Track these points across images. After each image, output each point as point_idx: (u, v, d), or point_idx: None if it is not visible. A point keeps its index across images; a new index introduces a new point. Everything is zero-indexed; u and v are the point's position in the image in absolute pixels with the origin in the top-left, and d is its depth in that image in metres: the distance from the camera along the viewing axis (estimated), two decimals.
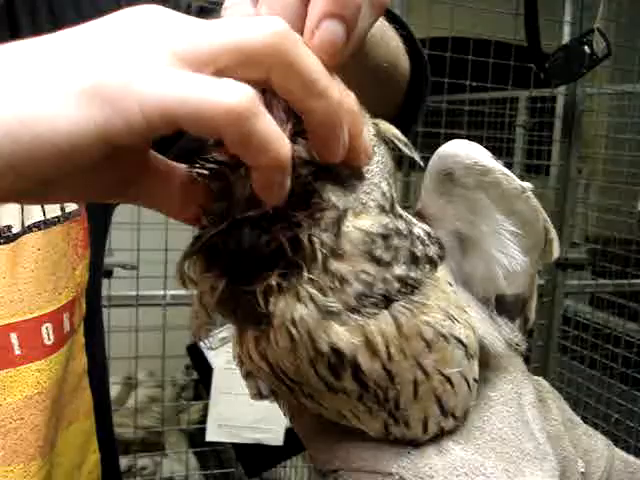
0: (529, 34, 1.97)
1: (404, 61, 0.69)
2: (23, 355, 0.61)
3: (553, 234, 0.50)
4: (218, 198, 0.39)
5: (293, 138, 0.37)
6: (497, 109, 2.63)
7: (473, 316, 0.46)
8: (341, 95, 0.36)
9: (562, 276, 2.32)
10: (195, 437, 2.40)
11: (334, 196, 0.40)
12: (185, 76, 0.31)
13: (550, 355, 2.35)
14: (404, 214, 0.44)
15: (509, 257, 0.47)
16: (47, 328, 0.63)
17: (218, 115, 0.31)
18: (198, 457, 2.38)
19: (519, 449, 0.46)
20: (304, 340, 0.39)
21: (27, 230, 0.61)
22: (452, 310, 0.43)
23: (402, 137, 0.45)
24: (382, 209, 0.42)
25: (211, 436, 1.87)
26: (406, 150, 0.45)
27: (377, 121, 0.45)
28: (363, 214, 0.40)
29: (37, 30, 0.62)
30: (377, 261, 0.40)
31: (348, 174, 0.41)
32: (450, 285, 0.44)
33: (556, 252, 0.51)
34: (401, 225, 0.42)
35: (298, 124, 0.38)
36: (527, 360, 0.55)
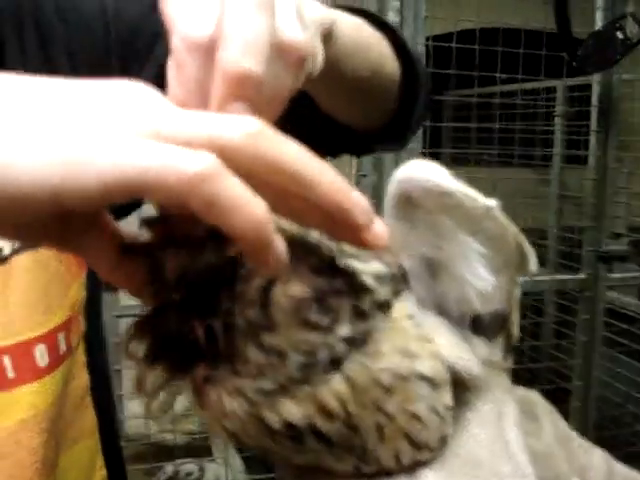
0: (559, 21, 1.93)
1: (390, 66, 0.67)
2: (16, 378, 0.61)
3: (527, 248, 0.48)
4: (149, 278, 0.37)
5: None
6: (531, 100, 2.58)
7: (441, 343, 0.45)
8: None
9: (604, 269, 2.26)
10: None
11: None
12: (148, 145, 0.31)
13: (595, 349, 2.29)
14: (346, 265, 0.41)
15: (479, 278, 0.46)
16: (40, 350, 0.62)
17: (180, 182, 0.30)
18: (244, 461, 2.39)
19: (494, 472, 0.45)
20: (250, 424, 0.38)
21: (17, 251, 0.61)
22: (412, 346, 0.42)
23: None
24: (315, 271, 0.40)
25: None
26: None
27: None
28: (293, 279, 0.38)
29: (22, 41, 0.64)
30: (315, 327, 0.38)
31: None
32: (410, 318, 0.43)
33: (533, 265, 0.49)
34: (338, 283, 0.40)
35: None
36: (539, 378, 0.54)
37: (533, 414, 0.54)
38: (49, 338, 0.63)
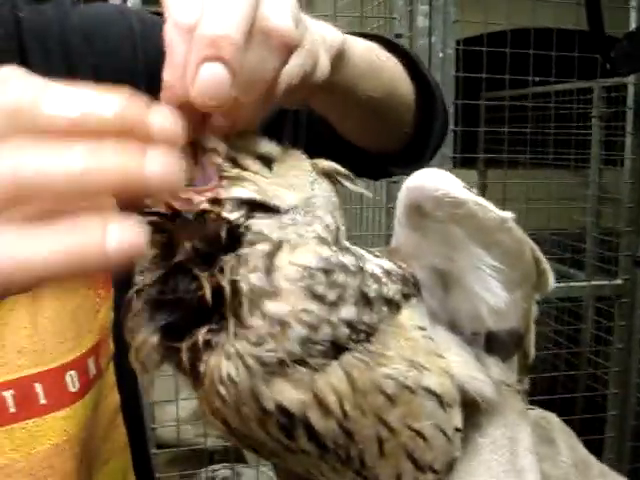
0: (592, 22, 1.88)
1: (406, 90, 0.66)
2: (49, 404, 0.60)
3: (545, 264, 0.46)
4: (161, 249, 0.38)
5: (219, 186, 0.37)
6: (564, 102, 2.52)
7: (453, 360, 0.42)
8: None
9: None
10: None
11: (266, 228, 0.38)
12: None
13: (632, 357, 2.23)
14: (354, 249, 0.41)
15: (492, 294, 0.43)
16: (71, 376, 0.62)
17: None
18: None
19: None
20: (245, 399, 0.36)
21: None
22: (421, 358, 0.40)
23: (344, 171, 0.43)
24: (323, 242, 0.39)
25: None
26: (348, 184, 0.43)
27: (316, 161, 0.43)
28: (300, 247, 0.38)
29: (47, 59, 0.63)
30: (320, 299, 0.36)
31: (286, 210, 0.39)
32: (421, 329, 0.41)
33: (551, 283, 0.47)
34: (348, 260, 0.39)
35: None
36: (551, 396, 0.51)
37: (549, 437, 0.51)
38: (79, 363, 0.63)
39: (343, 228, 0.41)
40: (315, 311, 0.36)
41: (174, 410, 1.96)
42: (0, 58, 0.60)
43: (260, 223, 0.37)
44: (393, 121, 0.67)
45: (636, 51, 1.86)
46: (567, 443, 0.50)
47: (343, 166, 0.44)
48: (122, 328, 0.71)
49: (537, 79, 2.06)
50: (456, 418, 0.42)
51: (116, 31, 0.68)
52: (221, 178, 0.37)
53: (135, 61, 0.67)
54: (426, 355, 0.40)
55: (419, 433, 0.40)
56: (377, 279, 0.40)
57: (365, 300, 0.38)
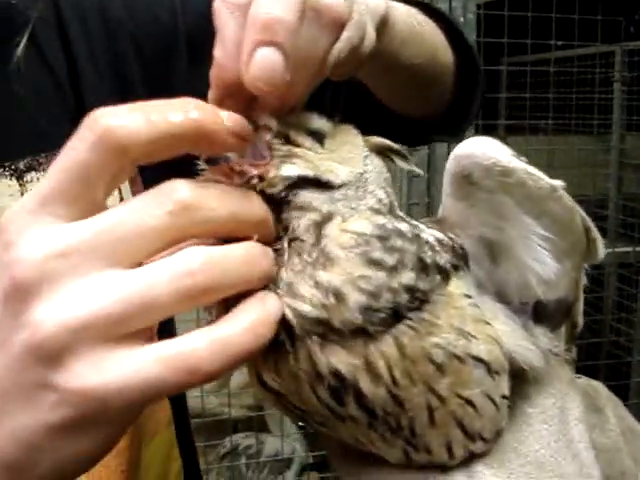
0: None
1: (444, 55, 0.66)
2: None
3: (595, 233, 0.45)
4: None
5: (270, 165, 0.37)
6: (587, 67, 2.48)
7: (501, 329, 0.42)
8: None
9: None
10: None
11: (315, 201, 0.37)
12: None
13: None
14: (408, 218, 0.40)
15: (542, 264, 0.43)
16: None
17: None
18: (304, 437, 2.39)
19: (557, 474, 0.42)
20: (300, 364, 0.36)
21: None
22: (468, 326, 0.39)
23: (397, 148, 0.42)
24: (377, 212, 0.39)
25: None
26: (400, 161, 0.42)
27: (369, 137, 0.43)
28: (353, 216, 0.38)
29: (86, 28, 0.63)
30: (378, 265, 0.36)
31: (340, 184, 0.38)
32: (469, 297, 0.40)
33: (601, 252, 0.46)
34: (403, 227, 0.38)
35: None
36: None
37: (597, 406, 0.51)
38: None
39: (396, 203, 0.41)
40: (374, 278, 0.35)
41: None
42: (39, 29, 0.60)
43: (309, 196, 0.37)
44: (434, 87, 0.66)
45: None
46: (615, 412, 0.50)
47: (381, 134, 0.43)
48: None
49: (559, 43, 2.03)
50: (503, 386, 0.42)
51: None
52: (272, 155, 0.37)
53: (175, 28, 0.67)
54: (474, 323, 0.40)
55: (468, 401, 0.40)
56: (432, 247, 0.39)
57: (422, 266, 0.38)
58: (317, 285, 0.35)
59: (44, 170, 0.59)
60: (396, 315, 0.36)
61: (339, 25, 0.39)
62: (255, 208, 0.35)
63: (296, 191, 0.37)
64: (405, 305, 0.36)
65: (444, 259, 0.39)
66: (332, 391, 0.37)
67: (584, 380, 0.52)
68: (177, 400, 0.73)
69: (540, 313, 0.46)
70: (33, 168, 0.59)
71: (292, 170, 0.37)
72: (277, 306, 0.35)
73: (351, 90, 0.68)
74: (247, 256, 0.34)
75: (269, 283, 0.35)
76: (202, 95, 0.66)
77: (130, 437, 0.63)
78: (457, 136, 0.75)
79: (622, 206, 2.43)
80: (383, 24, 0.48)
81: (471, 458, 0.42)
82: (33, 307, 0.30)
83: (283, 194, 0.37)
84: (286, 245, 0.36)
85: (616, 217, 2.47)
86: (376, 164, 0.41)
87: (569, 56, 2.40)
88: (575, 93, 2.35)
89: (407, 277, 0.37)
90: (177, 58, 0.67)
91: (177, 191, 0.32)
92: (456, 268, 0.40)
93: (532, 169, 0.41)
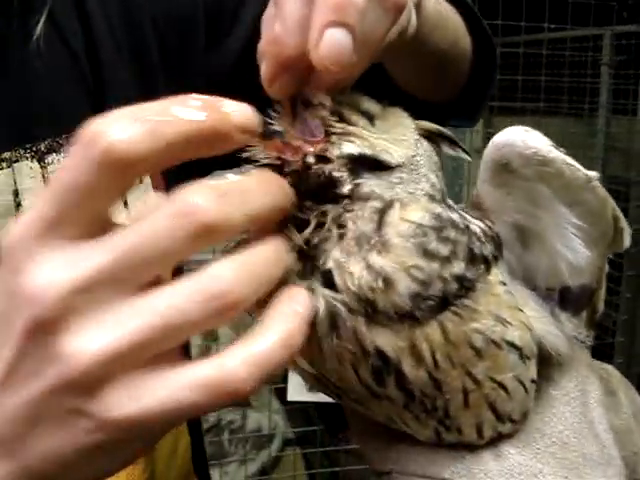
0: None
1: (463, 39, 0.66)
2: None
3: (623, 223, 0.46)
4: None
5: (326, 142, 0.37)
6: (579, 49, 2.49)
7: (530, 315, 0.43)
8: None
9: None
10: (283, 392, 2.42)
11: (377, 187, 0.38)
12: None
13: None
14: (458, 208, 0.41)
15: (573, 251, 0.44)
16: None
17: None
18: (286, 413, 2.40)
19: (581, 454, 0.43)
20: (346, 341, 0.37)
21: None
22: (504, 312, 0.40)
23: (447, 134, 0.43)
24: (433, 199, 0.39)
25: (293, 395, 1.88)
26: (448, 148, 0.43)
27: (419, 121, 0.43)
28: (412, 204, 0.38)
29: (105, 10, 0.62)
30: (432, 256, 0.37)
31: (394, 166, 0.39)
32: (504, 284, 0.41)
33: (627, 241, 0.47)
34: (455, 217, 0.39)
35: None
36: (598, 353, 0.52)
37: (610, 389, 0.52)
38: None
39: (445, 189, 0.41)
40: (427, 268, 0.36)
41: None
42: (58, 9, 0.59)
43: (371, 182, 0.38)
44: (453, 71, 0.66)
45: None
46: (627, 394, 0.52)
47: None
48: None
49: (552, 26, 2.04)
50: (533, 370, 0.43)
51: None
52: (328, 133, 0.37)
53: (195, 9, 0.66)
54: (509, 309, 0.41)
55: (501, 385, 0.41)
56: (479, 238, 0.40)
57: (471, 257, 0.38)
58: (368, 267, 0.36)
59: (64, 152, 0.58)
60: (444, 302, 0.37)
61: (400, 9, 0.39)
62: (278, 200, 0.34)
63: (359, 178, 0.37)
64: (453, 293, 0.37)
65: (488, 250, 0.40)
66: (374, 371, 0.38)
67: (598, 363, 0.53)
68: None
69: (565, 298, 0.47)
70: (54, 150, 0.59)
71: (352, 148, 0.37)
72: (307, 305, 0.34)
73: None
74: (275, 258, 0.33)
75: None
76: (219, 73, 0.66)
77: None
78: (472, 121, 0.75)
79: (607, 189, 2.46)
80: (419, 8, 0.48)
81: (498, 438, 0.44)
82: (62, 341, 0.29)
83: (341, 175, 0.37)
84: (336, 230, 0.37)
85: None
86: (426, 148, 0.42)
87: (561, 37, 2.40)
88: (567, 76, 2.36)
89: (458, 267, 0.37)
90: (196, 39, 0.67)
91: (197, 209, 0.29)
92: (496, 258, 0.41)
93: (570, 160, 0.42)
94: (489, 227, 0.42)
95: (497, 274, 0.41)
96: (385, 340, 0.37)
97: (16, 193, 0.58)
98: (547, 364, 0.45)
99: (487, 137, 2.38)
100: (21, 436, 0.31)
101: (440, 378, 0.39)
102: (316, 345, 0.38)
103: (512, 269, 0.45)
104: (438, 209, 0.38)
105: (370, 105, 0.41)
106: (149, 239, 0.30)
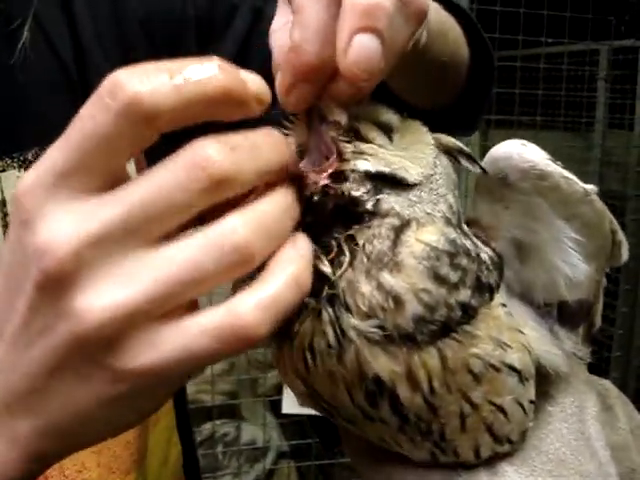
0: None
1: (464, 52, 0.65)
2: None
3: (621, 236, 0.46)
4: None
5: (346, 156, 0.37)
6: (575, 63, 2.50)
7: (530, 335, 0.42)
8: None
9: None
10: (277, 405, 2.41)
11: (397, 205, 0.37)
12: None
13: (636, 322, 2.25)
14: (471, 234, 0.40)
15: (571, 266, 0.44)
16: None
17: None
18: (280, 427, 2.38)
19: (578, 471, 0.43)
20: (343, 364, 0.36)
21: None
22: (504, 335, 0.40)
23: (466, 150, 0.42)
24: (449, 223, 0.39)
25: (287, 408, 1.87)
26: (467, 164, 0.42)
27: (438, 135, 0.42)
28: (428, 225, 0.37)
29: (92, 11, 0.62)
30: (441, 281, 0.36)
31: (412, 185, 0.38)
32: (504, 306, 0.41)
33: (625, 255, 0.47)
34: (468, 244, 0.38)
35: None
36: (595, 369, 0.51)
37: (608, 404, 0.52)
38: None
39: (462, 210, 0.41)
40: (435, 292, 0.36)
41: None
42: (44, 15, 0.59)
43: (390, 199, 0.37)
44: (451, 81, 0.66)
45: None
46: (624, 410, 0.51)
47: None
48: None
49: (550, 40, 2.05)
50: (531, 391, 0.43)
51: None
52: (341, 151, 0.37)
53: (184, 11, 0.66)
54: (509, 332, 0.40)
55: (500, 408, 0.40)
56: (487, 267, 0.39)
57: (478, 285, 0.38)
58: (379, 287, 0.35)
59: None
60: (445, 328, 0.36)
61: (422, 17, 0.38)
62: (283, 157, 0.34)
63: (377, 195, 0.37)
64: (456, 320, 0.37)
65: (493, 278, 0.40)
66: (367, 394, 0.37)
67: (595, 379, 0.53)
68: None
69: (562, 313, 0.46)
70: None
71: (367, 166, 0.37)
72: (308, 247, 0.34)
73: None
74: (285, 212, 0.33)
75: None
76: None
77: (139, 427, 0.63)
78: (470, 131, 0.75)
79: (604, 203, 2.47)
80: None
81: (495, 457, 0.43)
82: (74, 295, 0.29)
83: (362, 195, 0.36)
84: (348, 248, 0.36)
85: None
86: (445, 165, 0.41)
87: (559, 52, 2.41)
88: (564, 90, 2.37)
89: (464, 295, 0.37)
90: (187, 43, 0.67)
91: (210, 162, 0.29)
92: (499, 286, 0.41)
93: (567, 173, 0.42)
94: (495, 252, 0.42)
95: (497, 296, 0.41)
96: (381, 365, 0.36)
97: (3, 202, 0.57)
98: (545, 381, 0.45)
99: (484, 150, 2.38)
100: (39, 390, 0.31)
101: (436, 403, 0.38)
102: (311, 362, 0.37)
103: (510, 285, 0.44)
104: (453, 234, 0.38)
105: (389, 117, 0.40)
106: (163, 191, 0.29)
